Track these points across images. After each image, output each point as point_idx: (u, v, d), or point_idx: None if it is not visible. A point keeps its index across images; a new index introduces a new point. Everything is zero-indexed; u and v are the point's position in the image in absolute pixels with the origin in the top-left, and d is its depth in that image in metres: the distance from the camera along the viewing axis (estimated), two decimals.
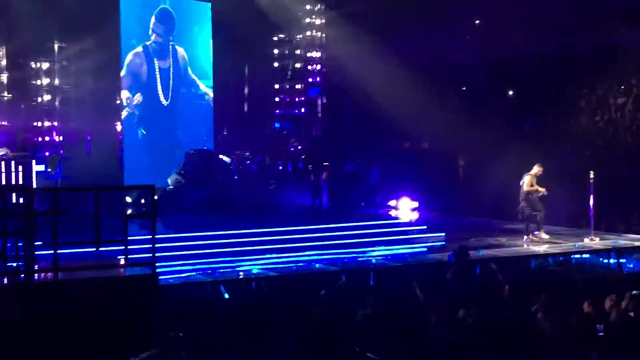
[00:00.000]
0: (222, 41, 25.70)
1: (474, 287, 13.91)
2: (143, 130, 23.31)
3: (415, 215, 22.44)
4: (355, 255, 17.95)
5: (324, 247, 18.12)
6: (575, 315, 10.50)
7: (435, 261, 16.98)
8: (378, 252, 18.24)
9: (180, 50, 24.82)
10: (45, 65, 23.81)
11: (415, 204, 23.15)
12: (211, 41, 25.45)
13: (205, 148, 23.34)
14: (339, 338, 10.75)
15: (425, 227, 20.05)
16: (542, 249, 18.46)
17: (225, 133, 24.30)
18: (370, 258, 17.80)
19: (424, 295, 12.62)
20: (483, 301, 11.76)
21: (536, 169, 19.22)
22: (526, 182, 19.16)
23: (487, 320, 10.59)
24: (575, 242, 19.05)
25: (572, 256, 18.18)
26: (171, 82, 24.69)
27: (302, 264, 16.95)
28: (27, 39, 21.78)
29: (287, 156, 24.36)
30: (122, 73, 22.98)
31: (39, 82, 23.88)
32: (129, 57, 23.17)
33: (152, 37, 24.08)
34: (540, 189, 19.05)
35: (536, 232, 19.29)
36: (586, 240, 18.92)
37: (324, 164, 23.70)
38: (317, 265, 16.89)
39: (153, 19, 24.10)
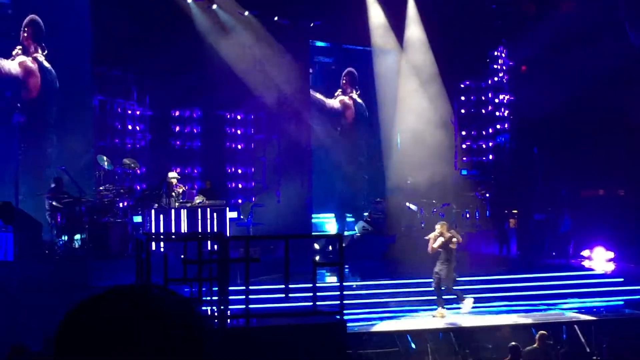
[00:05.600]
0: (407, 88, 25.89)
1: None
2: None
3: (610, 267, 21.34)
4: (546, 307, 17.32)
5: (512, 297, 17.63)
6: None
7: (634, 316, 16.06)
8: (570, 305, 17.50)
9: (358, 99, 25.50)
10: (239, 116, 24.83)
11: (611, 255, 22.03)
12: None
13: (390, 196, 23.43)
14: None
15: (622, 279, 19.04)
16: None
17: (409, 181, 24.22)
18: (562, 310, 17.10)
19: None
20: None
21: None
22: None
23: None
24: None
25: None
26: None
27: (490, 315, 16.52)
28: (224, 92, 22.83)
29: (475, 204, 23.95)
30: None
31: (232, 130, 24.91)
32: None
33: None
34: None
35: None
36: None
37: (512, 211, 23.12)
38: (506, 316, 16.40)
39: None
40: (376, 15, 24.70)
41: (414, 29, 25.00)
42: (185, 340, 1.75)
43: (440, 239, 16.12)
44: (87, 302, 1.77)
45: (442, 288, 15.95)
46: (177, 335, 1.73)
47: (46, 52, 19.04)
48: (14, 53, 18.64)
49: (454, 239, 16.16)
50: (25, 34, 18.78)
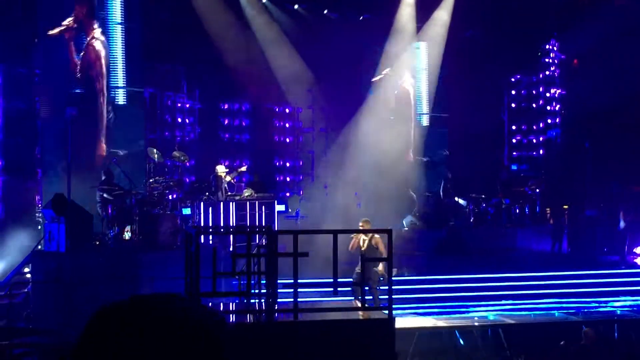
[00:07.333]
0: (454, 81, 25.67)
1: None
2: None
3: None
4: (597, 304, 17.07)
5: (563, 294, 17.40)
6: None
7: None
8: (623, 302, 17.21)
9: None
10: (288, 109, 24.87)
11: None
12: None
13: (440, 191, 23.22)
14: None
15: None
16: None
17: (458, 175, 23.99)
18: (614, 308, 16.83)
19: None
20: None
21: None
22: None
23: None
24: None
25: None
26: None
27: (540, 312, 16.34)
28: (273, 85, 22.91)
29: (525, 199, 23.64)
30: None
31: (281, 123, 24.98)
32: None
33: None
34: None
35: None
36: None
37: (564, 207, 22.79)
38: (556, 313, 16.21)
39: None
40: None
41: (443, 13, 24.55)
42: (205, 351, 1.75)
43: (362, 238, 14.48)
44: (110, 311, 1.77)
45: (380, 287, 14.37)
46: (197, 346, 1.74)
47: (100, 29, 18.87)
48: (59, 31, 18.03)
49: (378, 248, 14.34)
50: (84, 12, 18.55)
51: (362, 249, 14.33)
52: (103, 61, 18.66)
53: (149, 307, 1.81)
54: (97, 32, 18.61)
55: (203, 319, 1.82)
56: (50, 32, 18.04)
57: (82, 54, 18.46)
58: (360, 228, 14.48)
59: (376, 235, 14.46)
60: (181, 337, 1.75)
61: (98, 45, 18.61)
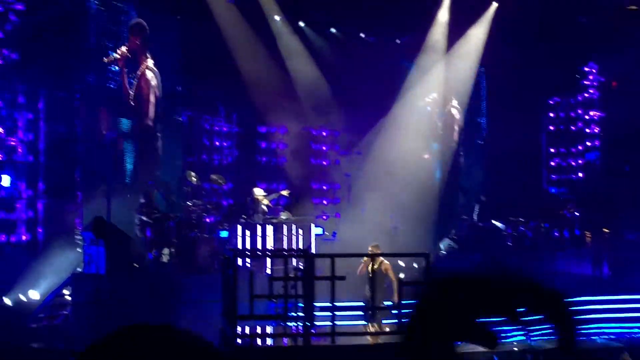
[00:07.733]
0: (493, 105, 25.57)
1: None
2: None
3: None
4: (639, 330, 16.81)
5: (604, 319, 17.14)
6: None
7: None
8: None
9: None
10: (324, 132, 24.94)
11: None
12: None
13: (477, 213, 23.09)
14: None
15: None
16: None
17: (496, 199, 23.85)
18: None
19: None
20: None
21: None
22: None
23: None
24: None
25: None
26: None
27: (581, 338, 16.08)
28: (309, 109, 23.04)
29: (564, 222, 23.39)
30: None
31: (318, 146, 25.05)
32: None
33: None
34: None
35: None
36: None
37: (604, 230, 22.51)
38: (597, 339, 15.97)
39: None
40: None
41: (479, 31, 24.39)
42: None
43: (370, 263, 13.91)
44: (108, 339, 1.79)
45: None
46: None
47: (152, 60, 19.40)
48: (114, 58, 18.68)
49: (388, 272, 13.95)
50: (138, 42, 19.03)
51: (370, 275, 13.73)
52: (152, 90, 19.07)
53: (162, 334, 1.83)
54: (150, 62, 19.07)
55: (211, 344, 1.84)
56: (106, 59, 18.52)
57: (135, 82, 18.90)
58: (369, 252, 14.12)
59: (385, 261, 14.28)
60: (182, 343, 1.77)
61: (150, 75, 19.05)
